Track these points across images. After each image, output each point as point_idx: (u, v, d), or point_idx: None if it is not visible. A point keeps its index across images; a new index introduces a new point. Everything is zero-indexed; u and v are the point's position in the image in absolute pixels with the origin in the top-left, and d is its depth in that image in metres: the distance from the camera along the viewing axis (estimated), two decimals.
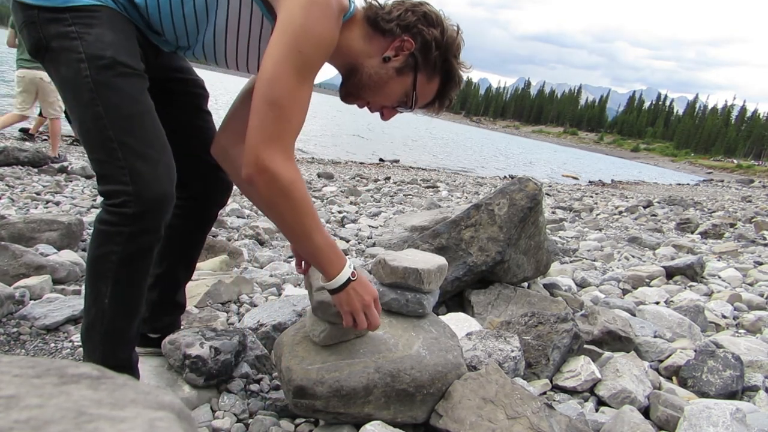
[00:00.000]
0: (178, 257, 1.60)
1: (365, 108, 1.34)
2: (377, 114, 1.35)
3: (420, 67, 1.25)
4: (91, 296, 1.25)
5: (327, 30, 1.13)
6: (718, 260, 4.55)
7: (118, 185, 1.15)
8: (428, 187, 9.92)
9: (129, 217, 1.15)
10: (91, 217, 3.63)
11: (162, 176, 1.18)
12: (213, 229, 3.74)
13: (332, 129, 26.61)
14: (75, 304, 1.98)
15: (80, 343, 1.41)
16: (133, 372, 1.36)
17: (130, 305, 1.27)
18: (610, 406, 1.76)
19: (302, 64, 1.10)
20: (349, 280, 1.23)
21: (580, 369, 1.88)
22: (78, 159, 6.67)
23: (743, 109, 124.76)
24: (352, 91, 1.29)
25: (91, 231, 1.23)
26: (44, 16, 1.14)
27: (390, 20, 1.23)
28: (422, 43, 1.23)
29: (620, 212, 8.75)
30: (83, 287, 1.39)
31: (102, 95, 1.13)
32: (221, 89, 24.79)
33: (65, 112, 6.59)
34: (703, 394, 1.88)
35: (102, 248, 1.20)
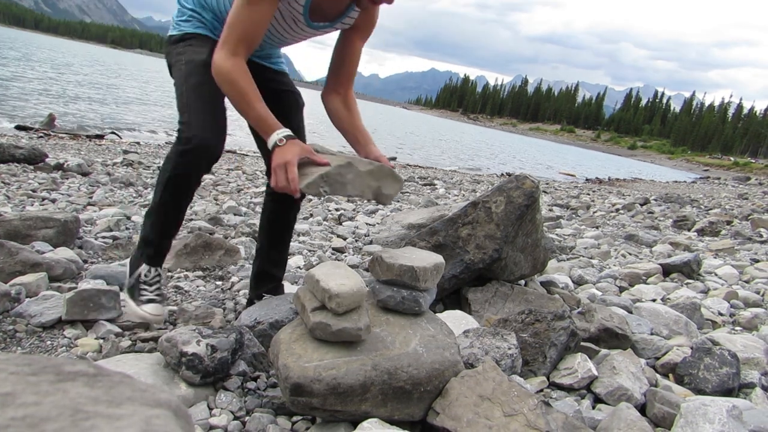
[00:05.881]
0: (268, 234, 2.17)
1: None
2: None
3: None
4: (155, 193, 1.85)
5: None
6: (715, 257, 4.56)
7: (183, 125, 1.71)
8: (425, 185, 9.92)
9: (182, 140, 1.70)
10: (87, 215, 3.62)
11: (207, 127, 1.71)
12: (210, 226, 3.74)
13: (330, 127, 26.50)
14: None
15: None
16: (161, 251, 1.94)
17: (172, 205, 1.84)
18: (606, 404, 1.76)
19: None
20: (275, 145, 1.60)
21: (577, 366, 1.88)
22: (74, 156, 6.64)
23: (740, 107, 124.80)
24: None
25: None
26: (168, 48, 1.89)
27: None
28: None
29: (617, 210, 8.76)
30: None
31: (188, 82, 1.76)
32: None
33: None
34: (699, 392, 1.88)
35: (167, 165, 1.76)
